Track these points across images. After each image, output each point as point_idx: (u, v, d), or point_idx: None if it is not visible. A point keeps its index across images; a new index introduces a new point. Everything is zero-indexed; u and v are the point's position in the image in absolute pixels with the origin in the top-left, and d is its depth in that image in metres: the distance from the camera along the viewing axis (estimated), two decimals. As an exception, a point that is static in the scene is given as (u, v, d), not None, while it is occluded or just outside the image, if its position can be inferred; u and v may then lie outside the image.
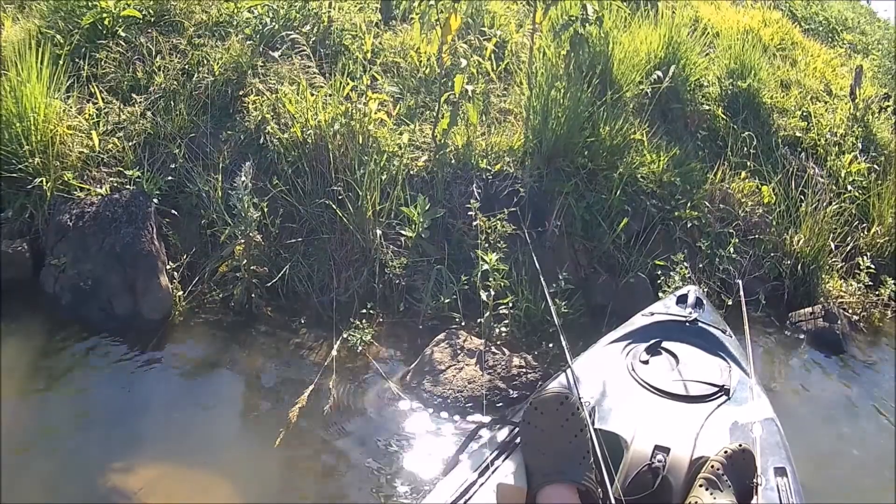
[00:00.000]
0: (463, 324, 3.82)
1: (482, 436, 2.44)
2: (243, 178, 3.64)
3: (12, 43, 4.46)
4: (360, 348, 3.60)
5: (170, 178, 4.17)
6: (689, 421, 2.47)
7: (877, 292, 4.91)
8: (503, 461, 2.26)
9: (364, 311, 3.80)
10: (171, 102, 4.43)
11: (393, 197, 4.07)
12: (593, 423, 2.32)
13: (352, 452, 3.08)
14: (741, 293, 3.44)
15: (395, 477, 2.97)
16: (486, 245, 3.82)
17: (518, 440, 2.29)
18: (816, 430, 3.73)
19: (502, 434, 2.37)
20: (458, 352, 3.46)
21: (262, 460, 3.02)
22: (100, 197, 3.98)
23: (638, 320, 3.07)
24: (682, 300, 3.17)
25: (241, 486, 2.88)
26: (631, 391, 2.63)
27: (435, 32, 4.10)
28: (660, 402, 2.58)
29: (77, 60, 4.53)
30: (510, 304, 3.77)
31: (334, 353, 3.56)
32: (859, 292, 4.86)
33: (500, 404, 3.31)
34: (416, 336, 3.80)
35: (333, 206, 3.96)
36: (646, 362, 2.77)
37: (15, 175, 3.97)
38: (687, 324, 2.99)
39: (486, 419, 3.17)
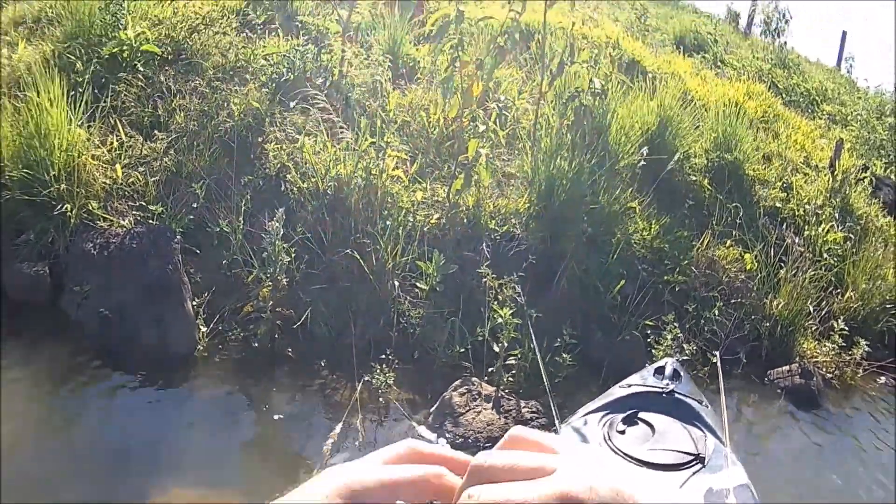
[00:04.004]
0: (473, 372, 4.35)
1: None
2: (276, 224, 4.11)
3: (27, 64, 4.88)
4: (381, 391, 4.10)
5: (191, 216, 4.65)
6: (663, 489, 2.77)
7: (850, 352, 5.55)
8: None
9: (382, 356, 4.28)
10: (193, 142, 4.93)
11: (409, 251, 4.60)
12: None
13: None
14: (719, 364, 3.81)
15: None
16: (496, 301, 4.36)
17: None
18: (795, 475, 4.36)
19: None
20: (476, 397, 4.01)
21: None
22: (124, 229, 4.41)
23: (615, 391, 3.27)
24: (659, 371, 3.39)
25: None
26: (606, 461, 3.01)
27: (456, 98, 4.66)
28: (634, 472, 2.60)
29: (97, 91, 4.96)
30: (518, 356, 4.31)
31: (357, 394, 4.04)
32: (833, 352, 5.54)
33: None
34: (429, 381, 4.32)
35: (357, 256, 4.47)
36: (622, 432, 2.92)
37: (36, 199, 4.36)
38: (664, 395, 3.18)
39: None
